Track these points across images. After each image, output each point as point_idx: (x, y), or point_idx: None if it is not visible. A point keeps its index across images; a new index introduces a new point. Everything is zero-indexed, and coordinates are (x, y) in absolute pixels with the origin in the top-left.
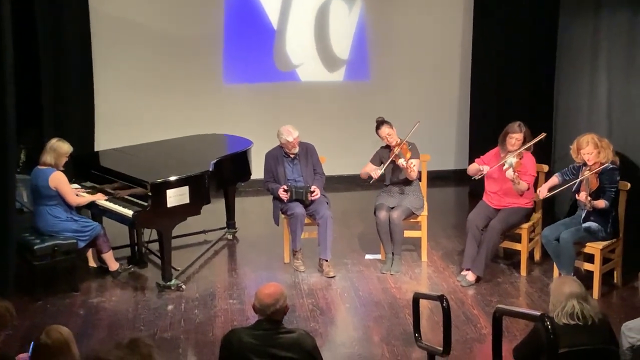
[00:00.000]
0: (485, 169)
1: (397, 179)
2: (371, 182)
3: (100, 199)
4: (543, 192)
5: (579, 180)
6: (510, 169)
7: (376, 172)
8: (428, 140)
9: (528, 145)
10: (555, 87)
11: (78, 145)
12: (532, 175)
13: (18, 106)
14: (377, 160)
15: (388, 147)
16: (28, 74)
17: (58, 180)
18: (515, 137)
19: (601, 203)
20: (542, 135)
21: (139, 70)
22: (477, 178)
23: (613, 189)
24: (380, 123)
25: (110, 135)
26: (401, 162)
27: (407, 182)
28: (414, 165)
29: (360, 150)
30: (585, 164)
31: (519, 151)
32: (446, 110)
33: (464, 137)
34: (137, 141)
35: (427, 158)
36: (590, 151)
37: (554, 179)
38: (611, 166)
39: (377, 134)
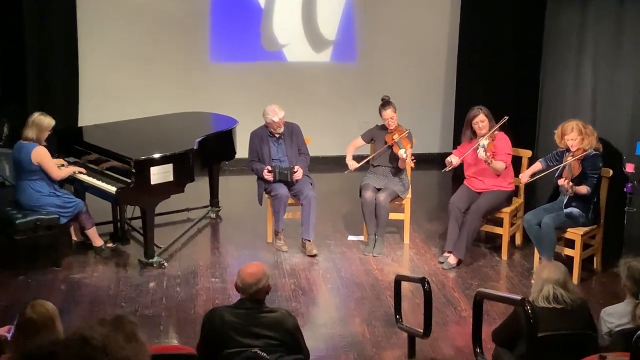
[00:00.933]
0: (455, 160)
1: (387, 164)
2: (346, 172)
3: (82, 172)
4: (524, 177)
5: (561, 165)
6: (481, 149)
7: (354, 166)
8: (413, 123)
9: (493, 130)
10: (541, 73)
11: (61, 120)
12: (507, 154)
13: (1, 80)
14: (368, 137)
15: (384, 128)
16: (12, 47)
17: (40, 155)
18: (479, 119)
19: (583, 189)
20: (505, 119)
21: (124, 46)
22: (447, 170)
23: (595, 176)
24: (386, 103)
25: (94, 110)
26: (401, 153)
27: (396, 166)
28: (414, 161)
29: (346, 131)
30: (568, 150)
31: (490, 134)
32: (432, 93)
33: (449, 121)
34: (121, 117)
35: (413, 141)
36: (574, 137)
37: (538, 165)
38: (594, 153)
39: (380, 112)
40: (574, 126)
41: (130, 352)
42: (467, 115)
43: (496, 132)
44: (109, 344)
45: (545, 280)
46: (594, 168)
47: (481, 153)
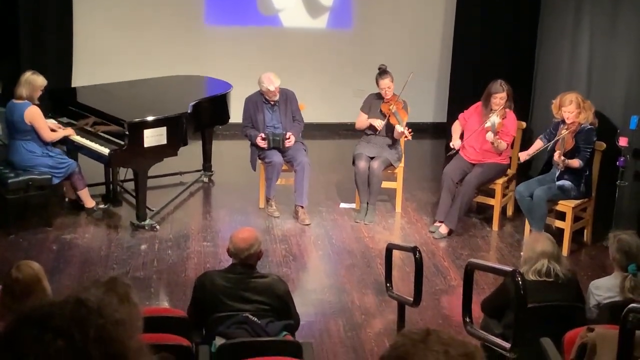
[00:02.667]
0: (457, 144)
1: (382, 133)
2: (377, 133)
3: (75, 135)
4: (524, 156)
5: (556, 139)
6: (491, 132)
7: (380, 125)
8: (408, 92)
9: (495, 113)
10: (537, 45)
11: (55, 80)
12: (511, 135)
13: None
14: (367, 108)
15: (379, 97)
16: (5, 6)
17: (33, 115)
18: (499, 96)
19: (575, 162)
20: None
21: (119, 6)
22: (451, 154)
23: (588, 150)
24: (383, 72)
25: (88, 71)
26: (399, 127)
27: (391, 136)
28: (411, 133)
29: (340, 98)
30: (563, 122)
31: (501, 112)
32: (427, 62)
33: (443, 90)
34: (114, 79)
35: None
36: (572, 110)
37: (538, 143)
38: (589, 127)
39: (377, 81)
40: (573, 99)
41: (124, 315)
42: (489, 86)
43: (506, 110)
44: (104, 306)
45: (540, 254)
46: (588, 142)
47: (490, 135)
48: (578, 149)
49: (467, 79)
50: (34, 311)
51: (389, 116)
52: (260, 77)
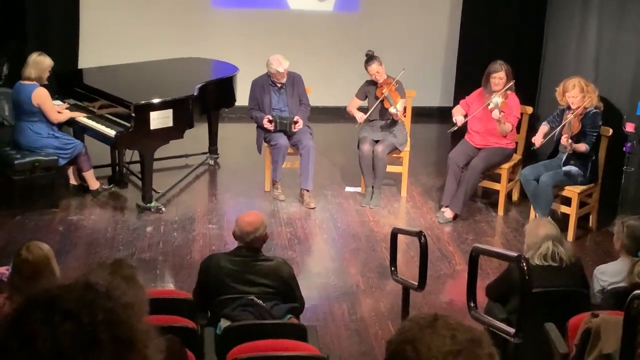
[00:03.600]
0: (460, 120)
1: (381, 118)
2: (356, 126)
3: (81, 117)
4: (538, 140)
5: (562, 124)
6: (496, 109)
7: (362, 118)
8: (414, 76)
9: (505, 88)
10: (544, 30)
11: (61, 61)
12: (516, 116)
13: (1, 18)
14: (362, 95)
15: (374, 83)
16: None
17: (40, 96)
18: (497, 76)
19: (582, 147)
20: (511, 82)
21: None
22: (452, 131)
23: (594, 134)
24: (370, 58)
25: (94, 53)
26: (392, 110)
27: (390, 119)
28: (404, 114)
29: (347, 82)
30: (569, 108)
31: (502, 90)
32: (434, 46)
33: (450, 74)
34: (121, 60)
35: (413, 94)
36: (576, 95)
37: (544, 127)
38: (594, 111)
39: (366, 68)
40: (576, 83)
41: (132, 298)
42: (488, 67)
43: (508, 91)
44: (112, 289)
45: (544, 238)
46: (594, 126)
47: (496, 113)
48: (584, 133)
49: (474, 63)
50: (43, 293)
51: (383, 100)
52: (269, 59)
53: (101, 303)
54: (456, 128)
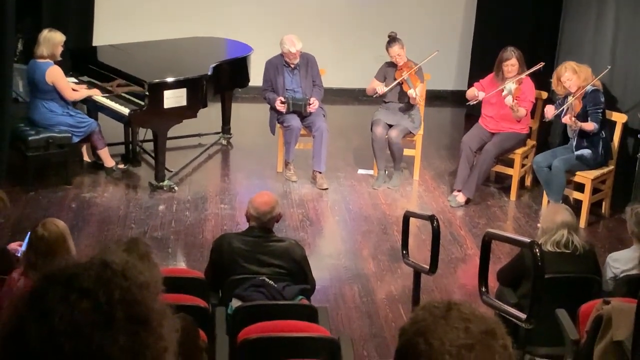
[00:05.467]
0: (481, 95)
1: (398, 101)
2: (374, 96)
3: (97, 95)
4: (550, 112)
5: (564, 107)
6: (510, 96)
7: (382, 88)
8: (429, 59)
9: (527, 73)
10: (561, 15)
11: (76, 38)
12: (530, 101)
13: None
14: (381, 76)
15: (393, 65)
16: None
17: (54, 75)
18: (510, 63)
19: (590, 125)
20: (540, 65)
21: None
22: (472, 104)
23: (599, 111)
24: (392, 40)
25: (109, 30)
26: (411, 92)
27: (407, 102)
28: (422, 100)
29: (361, 64)
30: (569, 94)
31: (518, 78)
32: (450, 30)
33: (465, 58)
34: (135, 38)
35: (427, 77)
36: (570, 77)
37: (550, 107)
38: (593, 88)
39: (387, 50)
40: (567, 66)
41: (148, 277)
42: (499, 55)
43: (522, 77)
44: (129, 269)
45: (560, 225)
46: (596, 104)
47: (509, 100)
48: (588, 113)
49: (490, 47)
50: (60, 271)
51: (402, 83)
52: (282, 39)
53: (118, 282)
54: (475, 102)
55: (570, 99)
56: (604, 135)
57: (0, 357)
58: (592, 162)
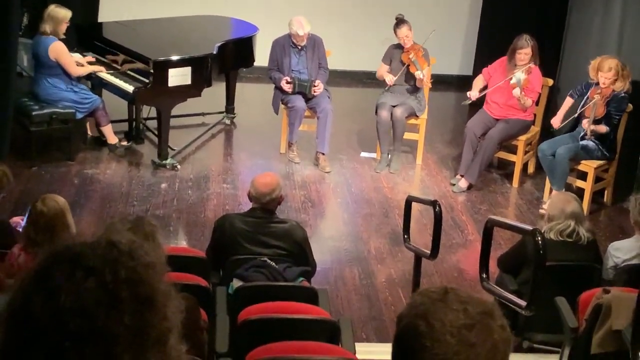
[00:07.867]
0: (474, 95)
1: (404, 83)
2: (387, 89)
3: (102, 71)
4: (557, 122)
5: (587, 99)
6: (518, 87)
7: (391, 79)
8: (434, 43)
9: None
10: (569, 3)
11: (81, 14)
12: (536, 92)
13: None
14: (388, 59)
15: (399, 47)
16: None
17: (57, 51)
18: (524, 52)
19: (603, 128)
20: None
21: None
22: (466, 104)
23: (618, 117)
24: (400, 21)
25: (115, 7)
26: (418, 74)
27: (414, 85)
28: (430, 81)
29: (367, 46)
30: (597, 84)
31: (527, 67)
32: (456, 14)
33: (471, 43)
34: (141, 16)
35: (433, 61)
36: (610, 77)
37: (568, 101)
38: (622, 94)
39: (395, 32)
40: (613, 66)
41: (154, 257)
42: (514, 41)
43: (531, 66)
44: (135, 248)
45: (569, 215)
46: (619, 109)
47: (517, 92)
48: (608, 114)
49: (496, 32)
50: (67, 249)
51: (409, 65)
52: (291, 20)
53: (124, 262)
54: (470, 102)
55: (596, 96)
56: (612, 137)
57: (6, 333)
58: (595, 155)
